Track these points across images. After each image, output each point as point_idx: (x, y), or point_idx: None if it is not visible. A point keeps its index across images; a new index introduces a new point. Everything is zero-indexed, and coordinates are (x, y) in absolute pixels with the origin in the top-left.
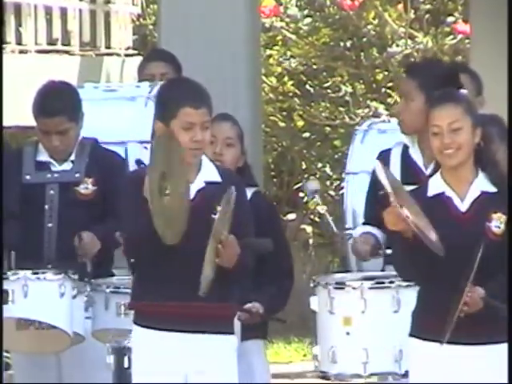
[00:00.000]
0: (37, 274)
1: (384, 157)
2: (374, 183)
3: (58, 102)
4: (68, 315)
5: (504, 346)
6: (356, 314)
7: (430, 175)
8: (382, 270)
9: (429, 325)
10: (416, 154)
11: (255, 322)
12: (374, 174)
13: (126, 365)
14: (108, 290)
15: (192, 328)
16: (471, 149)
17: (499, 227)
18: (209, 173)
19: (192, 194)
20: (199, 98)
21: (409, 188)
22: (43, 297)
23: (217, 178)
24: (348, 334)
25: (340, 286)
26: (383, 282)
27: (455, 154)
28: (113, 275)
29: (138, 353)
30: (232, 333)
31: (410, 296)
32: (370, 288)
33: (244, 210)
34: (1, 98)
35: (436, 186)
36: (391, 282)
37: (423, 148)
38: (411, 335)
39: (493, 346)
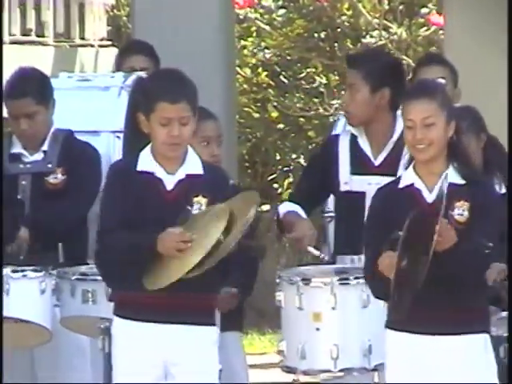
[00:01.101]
0: (17, 271)
1: (332, 142)
2: (317, 163)
3: (24, 84)
4: (49, 311)
5: (477, 337)
6: (326, 310)
7: (382, 168)
8: (333, 262)
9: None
10: (364, 145)
11: (232, 307)
12: (321, 150)
13: None
14: (73, 278)
15: (173, 319)
16: (444, 143)
17: (462, 215)
18: (192, 166)
19: (172, 185)
20: (177, 92)
21: (358, 177)
22: (24, 295)
23: (199, 170)
24: (318, 329)
25: (308, 282)
26: (349, 278)
27: (427, 150)
28: (86, 264)
29: (119, 344)
30: (213, 324)
31: None
32: (340, 284)
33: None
34: (0, 96)
35: (407, 177)
36: (359, 278)
37: (370, 139)
38: (386, 326)
39: (465, 337)
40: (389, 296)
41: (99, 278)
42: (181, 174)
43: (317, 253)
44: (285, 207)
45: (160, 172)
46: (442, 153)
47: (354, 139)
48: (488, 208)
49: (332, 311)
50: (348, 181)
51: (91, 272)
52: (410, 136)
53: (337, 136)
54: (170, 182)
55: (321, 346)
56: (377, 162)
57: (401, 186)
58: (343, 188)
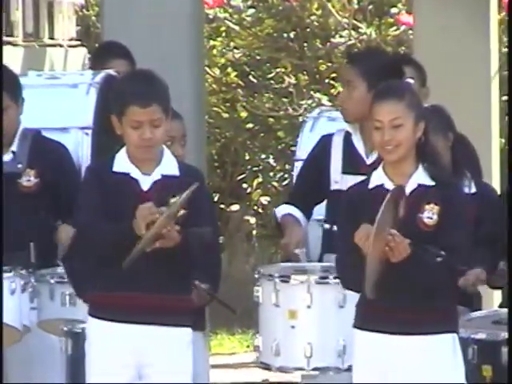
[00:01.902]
0: None
1: (326, 142)
2: (311, 163)
3: None
4: (18, 311)
5: (445, 337)
6: (302, 308)
7: (374, 167)
8: (320, 260)
9: (368, 315)
10: (358, 143)
11: (202, 302)
12: (315, 150)
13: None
14: (53, 281)
15: (147, 320)
16: (412, 144)
17: (431, 218)
18: (168, 166)
19: (148, 185)
20: (147, 95)
21: (349, 177)
22: None
23: (175, 171)
24: (293, 327)
25: (286, 279)
26: (328, 277)
27: (395, 151)
28: (57, 265)
29: (93, 345)
30: (189, 325)
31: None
32: (317, 282)
33: (203, 206)
34: (0, 95)
35: (377, 178)
36: (337, 278)
37: (365, 137)
38: (354, 326)
39: (432, 337)
40: (360, 286)
41: None
42: (157, 174)
43: (301, 256)
44: (281, 210)
45: (136, 172)
46: (411, 153)
47: (348, 137)
48: (458, 211)
49: (308, 310)
50: (339, 180)
51: None
52: (379, 137)
53: (331, 135)
54: (145, 183)
55: (295, 344)
56: (369, 161)
57: (370, 186)
58: (334, 187)
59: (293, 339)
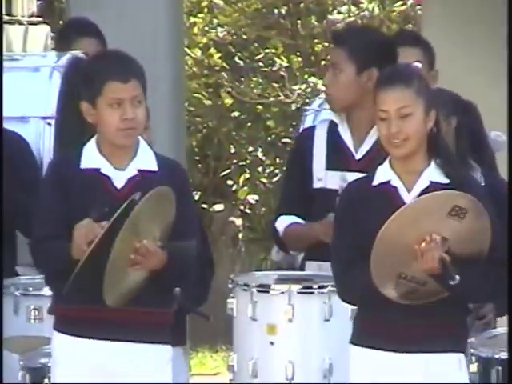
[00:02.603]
0: None
1: (307, 135)
2: (293, 164)
3: None
4: None
5: (447, 356)
6: (282, 322)
7: (364, 163)
8: (301, 269)
9: (367, 330)
10: (345, 134)
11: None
12: (295, 147)
13: None
14: (18, 293)
15: (122, 336)
16: (422, 137)
17: None
18: (144, 160)
19: (122, 183)
20: (126, 70)
21: (334, 173)
22: None
23: (153, 166)
24: (272, 343)
25: (264, 289)
26: (312, 286)
27: (403, 144)
28: (17, 274)
29: (59, 364)
30: (168, 342)
31: (342, 303)
32: (299, 293)
33: (187, 212)
34: (1, 95)
35: (383, 174)
36: (322, 287)
37: (352, 127)
38: (351, 342)
39: (434, 356)
40: (362, 299)
41: (44, 292)
42: (132, 169)
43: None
44: (282, 222)
45: (107, 168)
46: (421, 147)
47: (333, 128)
48: None
49: (289, 324)
50: (322, 177)
51: (34, 286)
52: (384, 129)
53: (313, 128)
54: (119, 180)
55: (275, 363)
56: (358, 156)
57: (375, 183)
58: (317, 185)
59: (272, 357)
